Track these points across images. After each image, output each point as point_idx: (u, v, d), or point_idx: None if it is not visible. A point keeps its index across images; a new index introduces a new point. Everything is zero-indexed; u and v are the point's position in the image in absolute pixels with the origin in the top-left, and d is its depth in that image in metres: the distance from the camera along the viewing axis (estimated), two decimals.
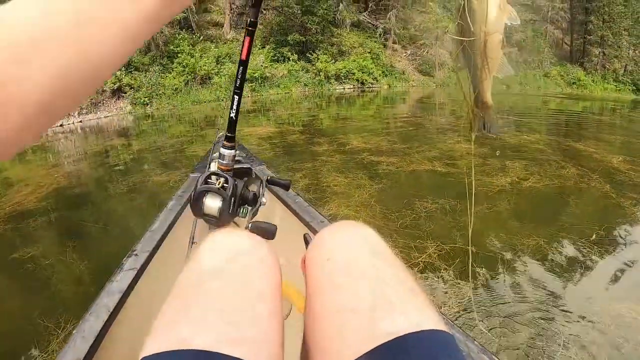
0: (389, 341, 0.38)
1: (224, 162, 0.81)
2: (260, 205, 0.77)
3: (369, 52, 17.95)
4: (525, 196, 3.92)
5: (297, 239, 1.19)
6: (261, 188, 0.83)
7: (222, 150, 0.82)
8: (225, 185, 0.69)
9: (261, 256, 0.52)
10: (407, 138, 6.88)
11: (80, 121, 11.52)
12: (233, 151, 0.85)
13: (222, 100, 13.42)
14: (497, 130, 0.78)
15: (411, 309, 0.42)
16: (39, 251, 3.00)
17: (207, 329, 0.39)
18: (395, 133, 7.53)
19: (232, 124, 0.84)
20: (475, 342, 0.80)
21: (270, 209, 1.75)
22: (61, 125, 10.72)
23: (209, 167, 1.68)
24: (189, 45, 14.55)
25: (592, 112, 11.98)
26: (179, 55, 14.25)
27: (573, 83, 20.62)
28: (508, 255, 2.75)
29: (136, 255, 1.21)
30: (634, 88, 20.07)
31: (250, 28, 0.84)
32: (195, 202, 0.68)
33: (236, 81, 0.85)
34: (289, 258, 1.55)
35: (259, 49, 15.99)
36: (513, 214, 3.46)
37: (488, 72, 0.70)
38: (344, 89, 16.52)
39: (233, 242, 0.53)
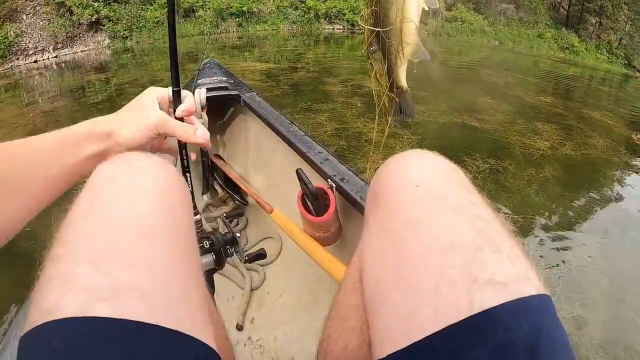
0: (500, 305, 0.30)
1: None
2: (239, 245, 0.81)
3: None
4: (565, 163, 3.75)
5: (291, 172, 1.06)
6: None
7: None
8: (211, 242, 0.76)
9: (141, 173, 0.41)
10: (419, 84, 6.41)
11: (56, 56, 10.53)
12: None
13: (207, 34, 12.54)
14: (413, 115, 0.78)
15: (518, 259, 0.34)
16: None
17: (75, 287, 0.29)
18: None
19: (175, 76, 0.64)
20: None
21: (261, 138, 1.56)
22: (35, 62, 9.74)
23: (194, 91, 1.37)
24: None
25: (584, 78, 11.86)
26: None
27: (566, 48, 20.25)
28: (565, 223, 2.63)
29: None
30: (626, 62, 19.99)
31: None
32: None
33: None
34: (283, 192, 1.41)
35: None
36: (562, 180, 3.32)
37: (403, 57, 0.71)
38: (333, 29, 15.67)
39: (111, 167, 0.42)
